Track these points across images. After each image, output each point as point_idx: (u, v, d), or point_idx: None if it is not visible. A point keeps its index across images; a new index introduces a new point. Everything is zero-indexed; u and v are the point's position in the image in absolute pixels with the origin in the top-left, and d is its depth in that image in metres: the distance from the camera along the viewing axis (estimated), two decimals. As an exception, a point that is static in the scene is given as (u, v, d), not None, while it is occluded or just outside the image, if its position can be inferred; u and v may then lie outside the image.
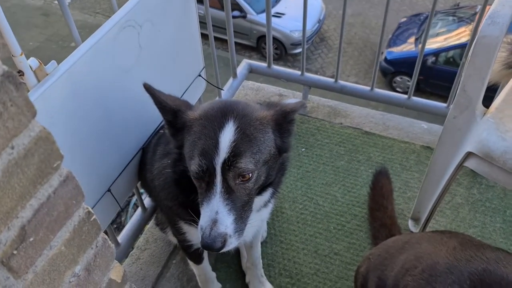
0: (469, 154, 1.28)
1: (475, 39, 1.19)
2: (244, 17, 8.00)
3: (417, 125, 2.09)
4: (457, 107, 1.30)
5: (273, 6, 8.15)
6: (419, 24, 8.20)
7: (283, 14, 8.00)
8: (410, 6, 9.10)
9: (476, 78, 1.23)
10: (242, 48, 8.72)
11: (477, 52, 1.19)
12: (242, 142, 0.98)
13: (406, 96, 1.99)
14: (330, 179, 1.91)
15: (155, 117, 1.32)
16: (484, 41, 1.17)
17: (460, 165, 1.31)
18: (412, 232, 1.68)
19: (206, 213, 0.98)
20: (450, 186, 1.43)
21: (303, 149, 2.02)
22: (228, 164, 0.96)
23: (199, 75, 1.65)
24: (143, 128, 1.40)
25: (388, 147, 2.02)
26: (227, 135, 0.97)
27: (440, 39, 7.84)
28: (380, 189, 1.72)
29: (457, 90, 1.29)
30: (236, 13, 7.80)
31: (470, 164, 1.28)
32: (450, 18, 8.17)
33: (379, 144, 2.03)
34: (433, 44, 7.76)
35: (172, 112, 1.04)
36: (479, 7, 1.44)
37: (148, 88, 1.06)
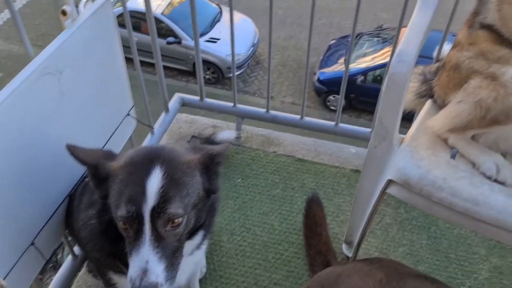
0: (390, 182, 1.36)
1: (387, 76, 1.29)
2: (179, 43, 8.01)
3: (346, 150, 2.20)
4: (376, 138, 1.38)
5: (207, 32, 8.25)
6: (348, 45, 8.67)
7: (218, 39, 8.12)
8: (338, 29, 9.59)
9: (390, 111, 1.32)
10: (179, 73, 8.70)
11: (389, 87, 1.28)
12: (170, 187, 0.97)
13: (333, 123, 2.09)
14: (266, 208, 1.95)
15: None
16: (394, 78, 1.26)
17: (383, 192, 1.40)
18: (347, 256, 1.74)
19: (135, 263, 0.96)
20: (377, 210, 1.51)
21: (239, 180, 2.04)
22: (157, 210, 0.95)
23: (128, 114, 1.63)
24: (69, 175, 1.35)
25: (320, 173, 2.10)
26: (155, 181, 0.96)
27: (367, 59, 8.33)
28: (313, 217, 1.77)
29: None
30: (171, 39, 7.80)
31: (392, 191, 1.37)
32: (375, 39, 8.73)
33: (311, 170, 2.10)
34: (361, 64, 8.22)
35: (93, 166, 1.02)
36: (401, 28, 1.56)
37: (69, 149, 1.03)
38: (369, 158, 1.43)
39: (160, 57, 1.91)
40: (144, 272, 0.94)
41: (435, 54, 1.75)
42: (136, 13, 7.09)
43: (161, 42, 7.79)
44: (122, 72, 1.50)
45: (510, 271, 1.72)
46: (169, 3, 8.12)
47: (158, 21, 7.88)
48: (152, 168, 0.98)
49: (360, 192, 1.53)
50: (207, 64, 8.16)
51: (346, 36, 8.82)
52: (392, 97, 1.30)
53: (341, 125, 2.09)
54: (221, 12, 8.59)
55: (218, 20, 8.45)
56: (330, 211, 1.93)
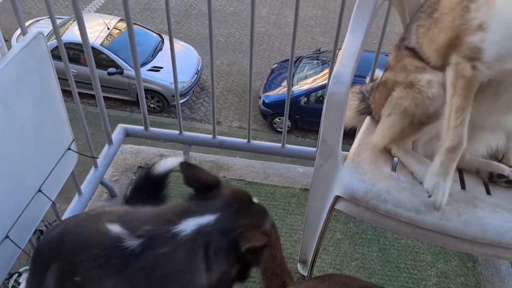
0: (337, 198, 1.40)
1: (326, 96, 1.34)
2: (121, 73, 7.87)
3: (294, 170, 2.23)
4: (321, 156, 1.42)
5: (150, 61, 8.19)
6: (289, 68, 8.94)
7: (161, 67, 8.07)
8: (279, 53, 9.88)
9: (332, 130, 1.37)
10: (123, 103, 8.52)
11: (329, 107, 1.33)
12: None
13: (280, 145, 2.12)
14: (220, 234, 1.92)
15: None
16: (333, 98, 1.32)
17: (332, 208, 1.43)
18: (302, 276, 1.75)
19: None
20: (328, 226, 1.54)
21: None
22: None
23: (69, 149, 1.57)
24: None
25: (270, 194, 2.11)
26: None
27: (309, 81, 8.63)
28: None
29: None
30: (112, 69, 7.65)
31: (340, 206, 1.40)
32: (315, 61, 9.07)
33: (262, 192, 2.11)
34: (303, 85, 8.50)
35: None
36: (337, 51, 1.64)
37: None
38: (316, 177, 1.47)
39: (99, 89, 1.87)
40: None
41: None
42: (75, 44, 6.92)
43: (102, 73, 7.62)
44: (59, 106, 1.45)
45: (455, 274, 1.81)
46: (109, 34, 8.00)
47: (98, 52, 7.72)
48: None
49: (310, 210, 1.56)
50: (151, 93, 8.06)
51: (287, 60, 9.09)
52: (333, 116, 1.35)
53: (288, 146, 2.13)
54: (162, 41, 8.57)
55: (160, 49, 8.42)
56: (283, 231, 1.94)
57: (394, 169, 1.42)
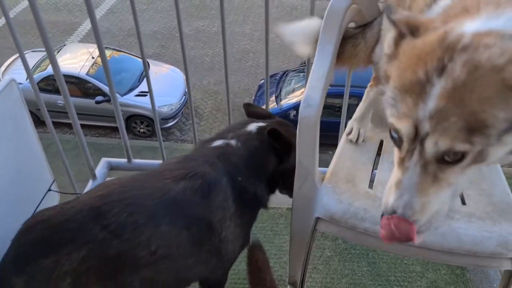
0: (318, 219, 1.41)
1: (299, 120, 1.37)
2: (109, 100, 7.88)
3: (280, 190, 2.25)
4: (299, 179, 1.44)
5: (137, 86, 8.23)
6: (276, 83, 9.01)
7: (148, 92, 8.09)
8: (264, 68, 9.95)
9: (307, 152, 1.39)
10: (112, 131, 8.51)
11: (301, 131, 1.36)
12: None
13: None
14: (209, 261, 1.92)
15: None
16: (304, 121, 1.35)
17: (314, 230, 1.44)
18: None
19: None
20: (312, 247, 1.55)
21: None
22: None
23: (50, 190, 1.58)
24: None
25: (258, 216, 2.11)
26: None
27: (297, 94, 8.69)
28: (256, 263, 1.77)
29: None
30: (100, 98, 7.67)
31: (321, 227, 1.42)
32: (301, 74, 9.15)
33: (249, 215, 2.12)
34: (292, 99, 8.56)
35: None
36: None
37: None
38: (296, 199, 1.48)
39: (78, 125, 1.88)
40: None
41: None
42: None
43: (90, 102, 7.64)
44: (36, 149, 1.47)
45: (445, 283, 1.82)
46: (94, 63, 8.04)
47: (84, 81, 7.75)
48: None
49: (294, 232, 1.57)
50: (140, 118, 8.09)
51: (274, 75, 9.17)
52: (306, 139, 1.37)
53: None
54: (148, 65, 8.63)
55: (147, 74, 8.47)
56: (272, 253, 1.95)
57: (372, 181, 1.45)
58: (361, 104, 1.64)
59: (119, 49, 8.98)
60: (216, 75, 9.70)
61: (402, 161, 0.87)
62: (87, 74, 7.85)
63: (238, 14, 11.68)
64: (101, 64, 8.59)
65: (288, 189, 1.55)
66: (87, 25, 10.80)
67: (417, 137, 0.81)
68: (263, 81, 9.23)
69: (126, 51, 8.91)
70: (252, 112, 1.60)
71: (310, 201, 1.44)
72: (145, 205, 1.14)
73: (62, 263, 1.04)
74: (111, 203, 1.11)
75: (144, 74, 8.43)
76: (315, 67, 1.43)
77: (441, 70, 0.74)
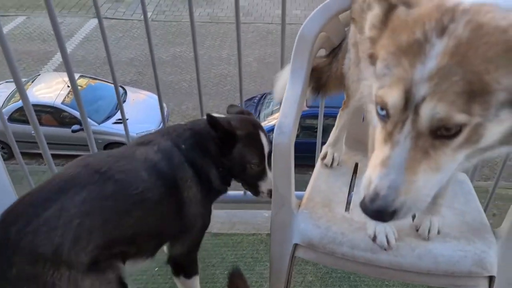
0: (296, 245, 1.40)
1: (273, 147, 1.37)
2: (85, 129, 7.79)
3: (260, 215, 2.24)
4: (275, 205, 1.43)
5: (114, 114, 8.15)
6: (255, 106, 9.07)
7: (126, 119, 8.03)
8: (243, 92, 10.01)
9: (283, 179, 1.39)
10: (90, 159, 8.37)
11: (276, 158, 1.36)
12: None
13: (242, 192, 2.12)
14: (189, 292, 1.88)
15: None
16: (278, 148, 1.35)
17: (293, 256, 1.43)
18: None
19: None
20: (294, 271, 1.54)
21: (156, 269, 1.96)
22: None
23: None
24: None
25: (238, 244, 2.09)
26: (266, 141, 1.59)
27: (276, 116, 8.67)
28: (236, 292, 1.74)
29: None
30: (76, 127, 7.55)
31: (299, 254, 1.41)
32: (279, 96, 9.26)
33: (229, 243, 2.10)
34: (271, 121, 8.60)
35: (231, 133, 1.56)
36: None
37: (211, 118, 1.51)
38: (273, 226, 1.47)
39: (49, 155, 1.84)
40: None
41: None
42: (35, 106, 6.84)
43: (66, 131, 7.52)
44: (4, 182, 1.42)
45: (427, 303, 1.82)
46: (69, 92, 7.95)
47: (59, 110, 7.64)
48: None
49: (273, 260, 1.55)
50: (119, 145, 7.97)
51: (251, 98, 9.24)
52: (281, 166, 1.38)
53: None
54: (125, 93, 8.58)
55: (124, 101, 8.41)
56: (253, 281, 1.92)
57: (349, 204, 1.45)
58: (334, 128, 1.66)
59: (95, 77, 8.93)
60: (195, 100, 9.70)
61: (390, 136, 0.80)
62: (62, 103, 7.74)
63: (215, 39, 11.81)
64: (77, 92, 8.49)
65: (247, 186, 1.67)
66: (59, 55, 10.71)
67: (409, 106, 0.75)
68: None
69: (103, 79, 8.85)
70: (231, 111, 1.72)
71: (287, 227, 1.43)
72: (127, 158, 1.38)
73: (67, 208, 1.16)
74: (97, 156, 1.43)
75: (122, 101, 8.41)
76: (288, 94, 1.45)
77: (442, 30, 0.71)
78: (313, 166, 1.72)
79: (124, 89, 8.66)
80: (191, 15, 1.78)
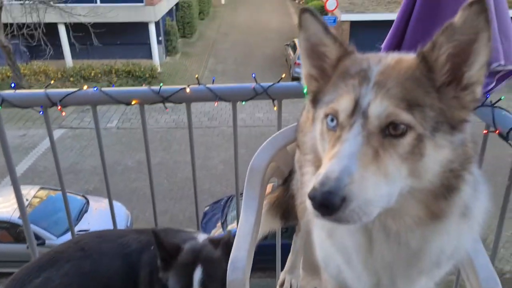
0: None
1: (227, 283, 1.35)
2: (43, 243, 7.39)
3: None
4: None
5: (75, 225, 7.85)
6: (222, 208, 8.99)
7: (87, 230, 7.74)
8: (210, 195, 10.01)
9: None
10: (46, 276, 7.83)
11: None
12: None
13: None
14: None
15: None
16: (232, 285, 1.33)
17: None
18: None
19: None
20: None
21: None
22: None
23: None
24: None
25: None
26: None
27: (243, 218, 8.65)
28: None
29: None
30: (33, 241, 7.17)
31: None
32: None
33: None
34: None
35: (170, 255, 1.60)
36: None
37: (157, 236, 1.56)
38: None
39: None
40: None
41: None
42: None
43: (22, 247, 7.10)
44: None
45: None
46: (28, 205, 7.69)
47: (16, 225, 7.30)
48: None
49: None
50: (79, 259, 7.55)
51: (219, 201, 9.20)
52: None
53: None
54: (88, 202, 8.39)
55: (86, 211, 8.19)
56: None
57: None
58: (290, 254, 1.67)
59: (56, 188, 8.74)
60: (160, 205, 9.40)
61: (339, 138, 0.86)
62: (19, 217, 7.43)
63: (180, 144, 12.05)
64: (35, 205, 8.24)
65: None
66: (21, 167, 10.60)
67: (357, 111, 0.86)
68: (208, 207, 9.20)
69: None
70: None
71: None
72: (111, 242, 1.62)
73: (52, 278, 1.44)
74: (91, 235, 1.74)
75: (83, 212, 8.17)
76: (241, 226, 1.47)
77: (378, 61, 0.94)
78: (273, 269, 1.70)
79: (86, 198, 8.48)
80: (143, 124, 1.91)
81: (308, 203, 0.81)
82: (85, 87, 1.66)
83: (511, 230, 8.41)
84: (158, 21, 17.59)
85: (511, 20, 1.57)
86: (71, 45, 15.63)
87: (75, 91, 1.63)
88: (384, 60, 0.95)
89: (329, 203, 0.78)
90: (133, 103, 1.73)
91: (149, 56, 17.56)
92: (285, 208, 1.65)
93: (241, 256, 1.37)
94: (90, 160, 11.01)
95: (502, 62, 1.49)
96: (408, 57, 0.95)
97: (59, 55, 16.52)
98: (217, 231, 8.42)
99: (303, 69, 1.05)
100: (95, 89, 1.65)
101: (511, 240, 8.33)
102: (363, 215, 0.80)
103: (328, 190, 0.77)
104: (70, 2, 13.37)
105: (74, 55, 16.63)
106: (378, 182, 0.82)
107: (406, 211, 0.91)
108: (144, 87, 1.74)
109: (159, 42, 17.79)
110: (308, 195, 0.80)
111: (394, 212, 0.91)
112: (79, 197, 8.50)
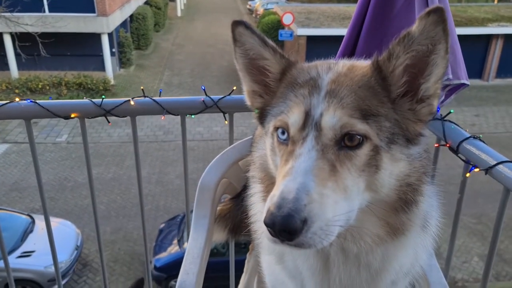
0: None
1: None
2: (-18, 268, 6.86)
3: None
4: None
5: (19, 246, 7.37)
6: (178, 225, 8.74)
7: (32, 251, 7.28)
8: (166, 211, 9.74)
9: None
10: (-12, 302, 7.26)
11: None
12: None
13: None
14: None
15: None
16: (180, 314, 1.23)
17: None
18: None
19: None
20: None
21: None
22: None
23: None
24: None
25: None
26: None
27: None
28: None
29: None
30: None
31: None
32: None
33: None
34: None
35: None
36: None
37: None
38: None
39: None
40: None
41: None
42: None
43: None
44: None
45: None
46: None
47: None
48: None
49: None
50: (22, 282, 7.08)
51: (175, 217, 8.96)
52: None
53: None
54: (33, 222, 7.88)
55: (31, 231, 7.70)
56: None
57: None
58: (243, 274, 1.59)
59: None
60: (113, 223, 9.18)
61: (291, 153, 0.80)
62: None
63: (134, 159, 11.69)
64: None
65: None
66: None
67: (308, 124, 0.81)
68: (163, 224, 8.92)
69: (8, 208, 8.13)
70: None
71: None
72: None
73: None
74: None
75: (28, 231, 7.67)
76: (190, 246, 1.37)
77: (328, 69, 0.90)
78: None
79: (32, 217, 7.98)
80: (84, 139, 1.79)
81: (265, 230, 0.74)
82: (16, 99, 1.51)
83: (462, 239, 8.79)
84: (112, 32, 17.13)
85: (456, 35, 1.59)
86: (17, 55, 14.88)
87: (5, 104, 1.48)
88: (335, 67, 0.91)
89: (291, 228, 0.71)
90: (72, 116, 1.59)
91: (102, 68, 17.02)
92: (236, 223, 1.57)
93: (189, 281, 1.27)
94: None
95: (450, 76, 1.51)
96: (361, 64, 0.91)
97: (3, 65, 15.71)
98: (174, 249, 8.17)
99: (245, 86, 0.99)
100: (29, 101, 1.51)
101: (462, 249, 8.66)
102: (325, 237, 0.74)
103: (287, 213, 0.70)
104: (17, 11, 12.74)
105: (20, 66, 15.84)
106: (338, 199, 0.77)
107: (367, 230, 0.86)
108: (85, 100, 1.62)
109: (112, 54, 17.31)
110: (265, 221, 0.72)
111: (354, 233, 0.86)
112: (24, 216, 7.99)
